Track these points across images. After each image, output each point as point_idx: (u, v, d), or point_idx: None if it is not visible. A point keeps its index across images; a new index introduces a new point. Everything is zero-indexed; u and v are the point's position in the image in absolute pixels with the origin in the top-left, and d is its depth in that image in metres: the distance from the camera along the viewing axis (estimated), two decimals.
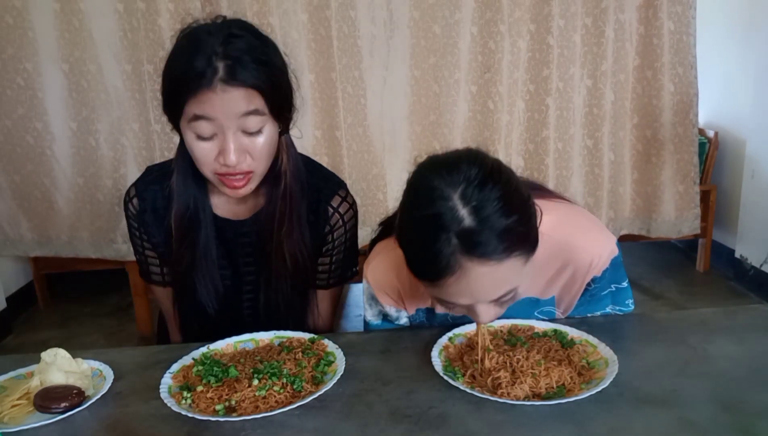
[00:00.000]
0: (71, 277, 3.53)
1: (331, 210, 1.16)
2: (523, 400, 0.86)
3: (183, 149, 1.07)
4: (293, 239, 1.13)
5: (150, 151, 2.79)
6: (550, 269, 1.06)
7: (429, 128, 2.84)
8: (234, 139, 0.98)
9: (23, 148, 2.81)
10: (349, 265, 1.25)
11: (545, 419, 0.82)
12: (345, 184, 1.21)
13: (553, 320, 1.10)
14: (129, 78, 2.72)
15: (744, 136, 3.11)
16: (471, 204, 0.79)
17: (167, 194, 1.14)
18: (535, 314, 1.11)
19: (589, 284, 1.08)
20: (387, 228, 1.15)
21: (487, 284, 0.83)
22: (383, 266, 1.10)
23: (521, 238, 0.82)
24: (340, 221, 1.18)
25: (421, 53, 2.75)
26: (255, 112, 0.98)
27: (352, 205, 1.20)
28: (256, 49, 0.99)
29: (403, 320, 1.16)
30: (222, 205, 1.16)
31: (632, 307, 1.14)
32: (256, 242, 1.16)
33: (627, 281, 1.12)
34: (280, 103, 1.02)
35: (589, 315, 1.13)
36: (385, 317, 1.16)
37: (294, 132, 1.13)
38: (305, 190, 1.14)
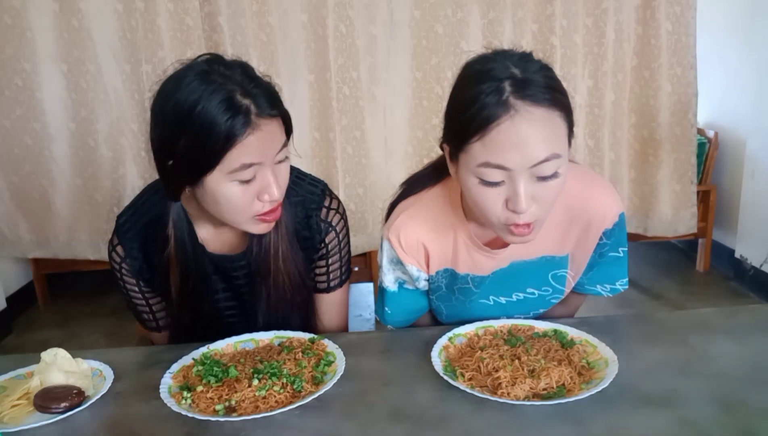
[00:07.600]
0: (71, 277, 3.53)
1: (322, 223, 1.17)
2: (523, 400, 0.86)
3: (181, 208, 1.06)
4: (289, 264, 1.13)
5: (149, 151, 2.77)
6: (564, 220, 1.07)
7: (431, 132, 2.78)
8: (272, 173, 0.98)
9: (21, 149, 2.80)
10: (347, 266, 1.25)
11: (545, 419, 0.82)
12: (327, 189, 1.20)
13: (552, 320, 1.10)
14: (128, 78, 2.71)
15: (744, 136, 3.11)
16: (521, 65, 0.91)
17: (153, 241, 1.11)
18: (549, 278, 1.12)
19: (600, 238, 1.09)
20: (407, 189, 1.16)
21: (536, 133, 0.88)
22: (410, 221, 1.11)
23: (563, 99, 0.91)
24: (331, 228, 1.18)
25: (422, 54, 2.72)
26: (285, 143, 0.99)
27: (338, 209, 1.20)
28: (260, 78, 0.98)
29: (423, 284, 1.15)
30: (213, 243, 1.13)
31: (626, 286, 1.18)
32: (253, 271, 1.15)
33: (626, 248, 1.15)
34: (290, 127, 1.03)
35: (588, 315, 1.13)
36: (402, 284, 1.16)
37: None
38: (293, 212, 1.13)
